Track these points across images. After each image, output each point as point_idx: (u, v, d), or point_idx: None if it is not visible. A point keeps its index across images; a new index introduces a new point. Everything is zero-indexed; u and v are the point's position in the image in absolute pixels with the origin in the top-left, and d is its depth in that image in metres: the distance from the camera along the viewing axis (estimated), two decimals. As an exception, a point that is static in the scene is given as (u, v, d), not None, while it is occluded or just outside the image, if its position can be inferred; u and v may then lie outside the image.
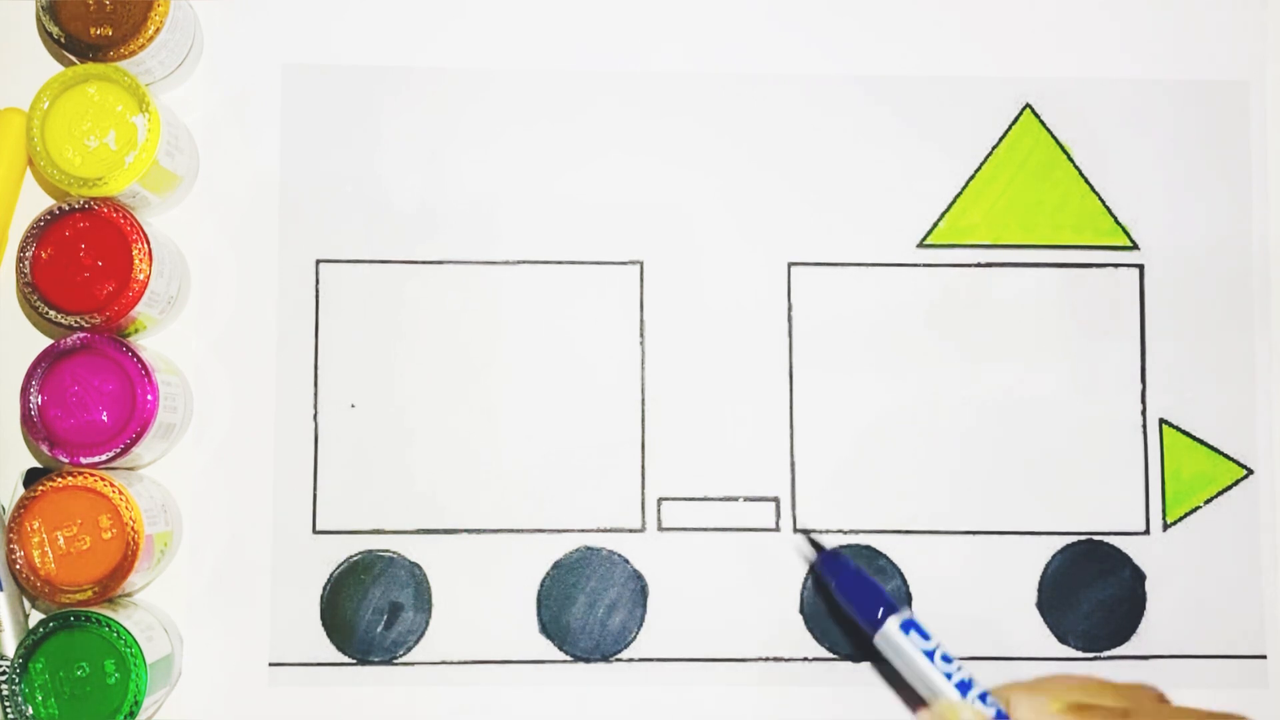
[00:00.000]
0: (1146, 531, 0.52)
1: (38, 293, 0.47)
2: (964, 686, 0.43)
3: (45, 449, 0.47)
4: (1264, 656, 0.52)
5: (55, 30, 0.49)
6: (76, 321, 0.48)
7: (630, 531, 0.52)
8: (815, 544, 0.48)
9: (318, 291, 0.52)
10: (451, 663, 0.51)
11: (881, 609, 0.45)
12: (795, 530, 0.51)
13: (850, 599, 0.46)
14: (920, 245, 0.53)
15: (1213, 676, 0.51)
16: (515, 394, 0.52)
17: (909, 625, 0.45)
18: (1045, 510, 0.52)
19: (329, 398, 0.52)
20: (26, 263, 0.48)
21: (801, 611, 0.51)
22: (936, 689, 0.44)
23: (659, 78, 0.53)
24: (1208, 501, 0.52)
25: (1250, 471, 0.52)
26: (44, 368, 0.48)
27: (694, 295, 0.52)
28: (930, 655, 0.44)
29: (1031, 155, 0.53)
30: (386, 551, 0.51)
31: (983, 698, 0.43)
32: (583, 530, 0.52)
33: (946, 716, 0.43)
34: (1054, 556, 0.52)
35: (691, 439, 0.52)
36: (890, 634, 0.45)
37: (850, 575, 0.46)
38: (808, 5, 0.53)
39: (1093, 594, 0.52)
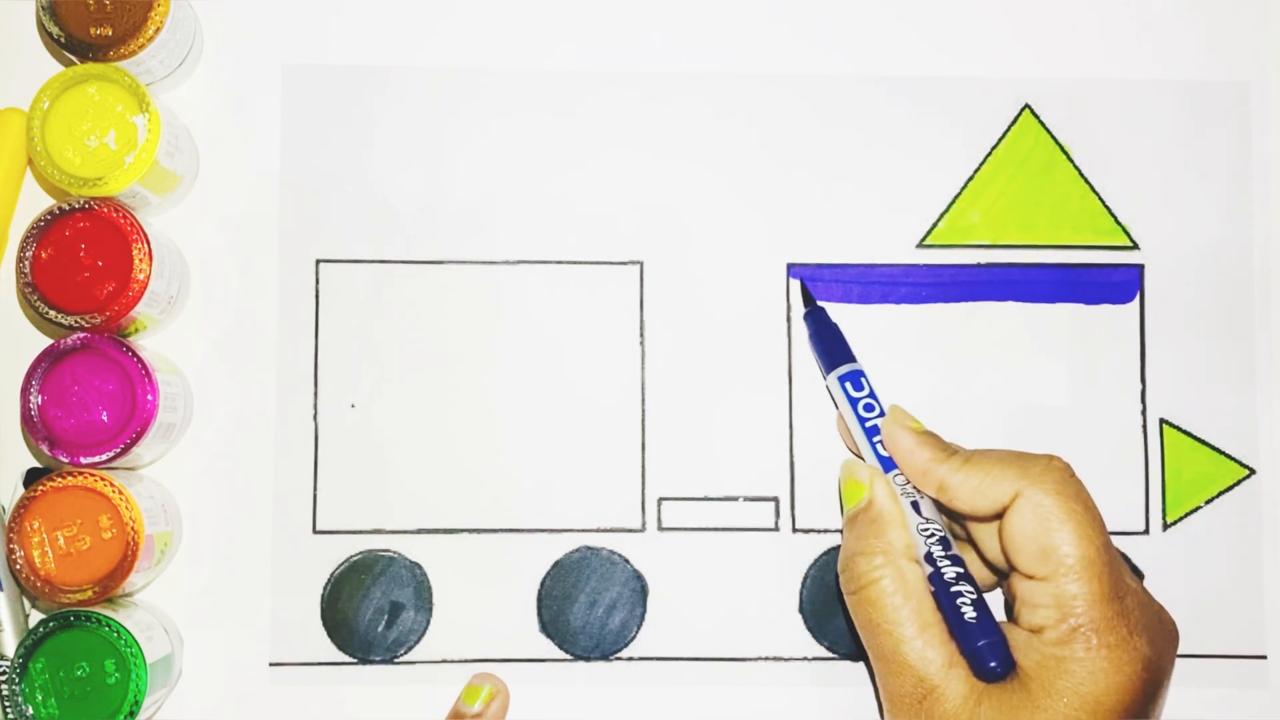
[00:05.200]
0: (1146, 531, 0.52)
1: (38, 293, 0.47)
2: (872, 431, 0.49)
3: (45, 449, 0.47)
4: (1264, 657, 0.52)
5: (55, 30, 0.49)
6: (76, 321, 0.48)
7: (630, 531, 0.52)
8: (807, 294, 0.52)
9: (318, 291, 0.52)
10: (452, 662, 0.51)
11: (836, 362, 0.50)
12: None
13: (817, 347, 0.51)
14: (920, 245, 0.53)
15: (1213, 676, 0.51)
16: (515, 394, 0.52)
17: (848, 376, 0.50)
18: (1045, 510, 0.51)
19: (329, 398, 0.52)
20: (26, 263, 0.48)
21: (801, 611, 0.51)
22: (856, 437, 0.49)
23: (658, 77, 0.53)
24: (1208, 501, 0.52)
25: (1251, 471, 0.52)
26: (44, 368, 0.48)
27: (694, 296, 0.52)
28: (855, 404, 0.49)
29: (1031, 155, 0.53)
30: (386, 551, 0.51)
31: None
32: (583, 530, 0.51)
33: (844, 471, 0.49)
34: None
35: (691, 439, 0.52)
36: (831, 384, 0.50)
37: (825, 327, 0.51)
38: (807, 5, 0.53)
39: (1093, 594, 0.52)
